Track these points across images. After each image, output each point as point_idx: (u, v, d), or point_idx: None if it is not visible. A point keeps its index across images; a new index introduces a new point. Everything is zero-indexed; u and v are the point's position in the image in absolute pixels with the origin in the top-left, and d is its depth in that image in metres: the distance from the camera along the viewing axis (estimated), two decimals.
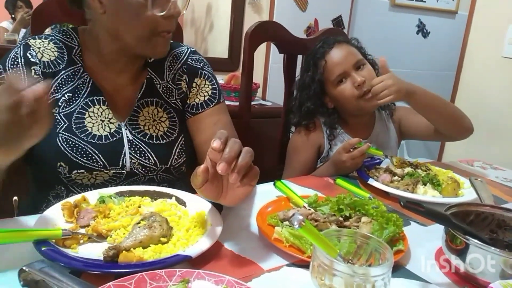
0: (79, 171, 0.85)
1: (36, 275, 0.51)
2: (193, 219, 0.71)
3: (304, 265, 0.64)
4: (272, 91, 2.34)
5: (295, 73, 1.36)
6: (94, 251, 0.63)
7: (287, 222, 0.72)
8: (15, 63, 0.83)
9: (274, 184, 0.92)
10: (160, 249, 0.63)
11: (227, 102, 1.92)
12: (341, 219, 0.74)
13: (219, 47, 2.41)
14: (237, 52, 2.30)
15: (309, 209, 0.79)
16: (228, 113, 1.02)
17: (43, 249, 0.59)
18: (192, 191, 0.79)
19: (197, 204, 0.77)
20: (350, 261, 0.57)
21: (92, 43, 0.90)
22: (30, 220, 0.70)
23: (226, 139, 0.63)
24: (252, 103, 2.06)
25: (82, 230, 0.67)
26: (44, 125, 0.59)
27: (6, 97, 0.54)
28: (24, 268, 0.52)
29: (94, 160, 0.86)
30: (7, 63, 0.83)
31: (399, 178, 1.03)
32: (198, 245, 0.64)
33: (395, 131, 1.34)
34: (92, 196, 0.77)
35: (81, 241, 0.65)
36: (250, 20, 2.25)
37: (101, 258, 0.59)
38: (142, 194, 0.80)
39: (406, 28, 3.00)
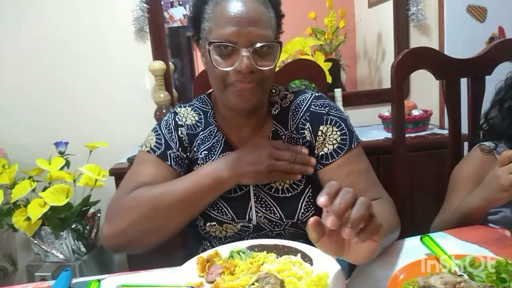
0: (211, 223, 0.90)
1: None
2: (313, 282, 0.66)
3: None
4: None
5: (459, 99, 1.17)
6: None
7: None
8: (167, 124, 0.96)
9: (421, 240, 0.78)
10: None
11: (391, 135, 1.80)
12: None
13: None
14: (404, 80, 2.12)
15: (461, 275, 0.63)
16: (364, 156, 0.93)
17: None
18: None
19: (325, 263, 0.71)
20: None
21: (217, 103, 0.97)
22: (169, 272, 0.77)
23: (337, 191, 0.57)
24: (424, 133, 1.87)
25: (208, 286, 0.70)
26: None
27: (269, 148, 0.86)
28: None
29: (224, 213, 0.90)
30: (161, 125, 0.97)
31: None
32: None
33: None
34: (225, 250, 0.80)
35: None
36: (417, 44, 2.07)
37: None
38: (271, 249, 0.79)
39: None
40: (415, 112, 1.85)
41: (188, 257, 1.00)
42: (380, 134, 1.90)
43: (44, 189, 1.68)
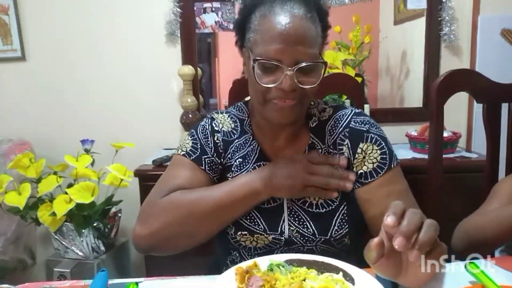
0: (243, 232, 0.90)
1: None
2: None
3: None
4: (479, 141, 2.02)
5: (499, 123, 1.15)
6: None
7: None
8: (204, 129, 0.97)
9: (465, 267, 0.76)
10: None
11: (420, 156, 1.79)
12: None
13: (415, 95, 2.27)
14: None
15: None
16: (403, 177, 0.91)
17: None
18: (359, 265, 0.74)
19: (367, 283, 0.70)
20: None
21: (254, 111, 0.97)
22: (206, 280, 0.77)
23: (403, 211, 0.57)
24: (453, 155, 1.85)
25: None
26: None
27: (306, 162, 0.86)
28: None
29: (256, 223, 0.90)
30: (198, 130, 0.98)
31: None
32: None
33: None
34: (264, 262, 0.79)
35: None
36: (447, 64, 2.05)
37: None
38: (310, 264, 0.78)
39: None
40: (444, 134, 1.83)
41: (215, 265, 1.00)
42: (406, 153, 1.88)
43: (69, 186, 1.70)
